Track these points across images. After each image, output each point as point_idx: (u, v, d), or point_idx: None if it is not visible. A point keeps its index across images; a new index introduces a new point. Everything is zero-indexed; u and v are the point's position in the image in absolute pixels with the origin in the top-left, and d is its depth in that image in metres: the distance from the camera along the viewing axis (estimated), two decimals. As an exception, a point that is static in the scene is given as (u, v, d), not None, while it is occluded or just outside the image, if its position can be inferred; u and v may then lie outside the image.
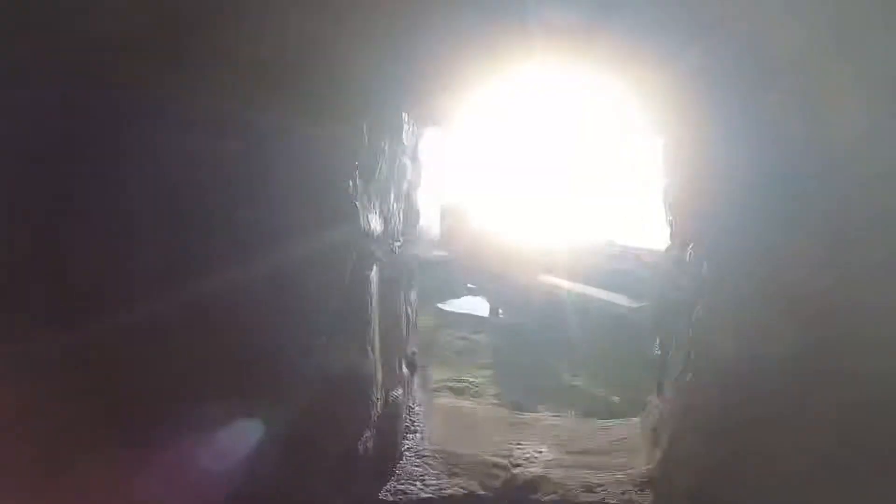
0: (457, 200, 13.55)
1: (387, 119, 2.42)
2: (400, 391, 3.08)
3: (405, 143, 2.82)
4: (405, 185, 2.98)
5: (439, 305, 9.41)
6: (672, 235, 3.97)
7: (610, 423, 4.41)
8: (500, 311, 9.28)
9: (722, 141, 2.45)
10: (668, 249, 3.73)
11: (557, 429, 4.16)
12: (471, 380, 6.66)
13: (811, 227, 2.06)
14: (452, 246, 12.55)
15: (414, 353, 3.96)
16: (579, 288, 8.87)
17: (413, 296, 3.91)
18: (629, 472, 3.32)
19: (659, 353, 4.15)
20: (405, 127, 2.75)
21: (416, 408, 3.82)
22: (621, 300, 8.28)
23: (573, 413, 5.67)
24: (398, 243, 2.95)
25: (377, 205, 2.37)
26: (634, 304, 8.16)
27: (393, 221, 2.77)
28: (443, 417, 4.11)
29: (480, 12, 2.24)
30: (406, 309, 3.51)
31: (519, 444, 3.93)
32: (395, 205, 2.77)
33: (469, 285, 11.03)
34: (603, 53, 2.57)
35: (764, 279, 2.17)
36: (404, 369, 3.35)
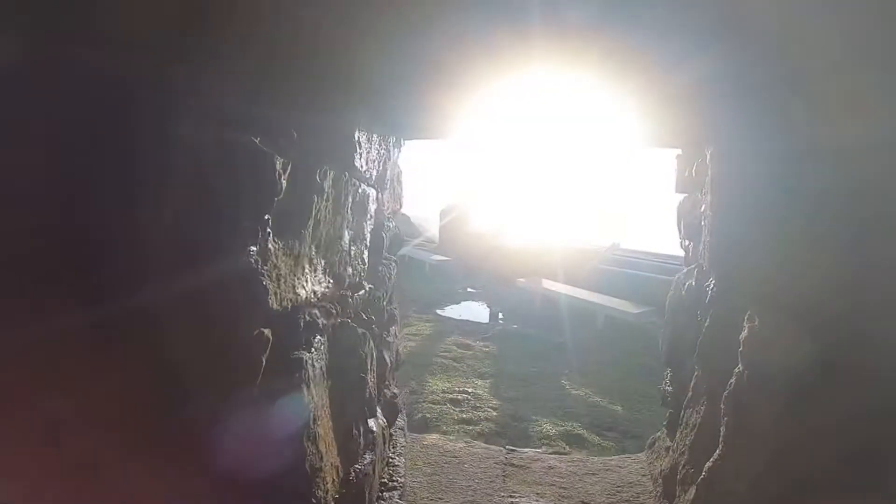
0: (456, 204, 12.88)
1: (330, 144, 1.77)
2: (369, 457, 2.44)
3: (364, 167, 2.16)
4: (369, 219, 2.32)
5: (438, 312, 8.76)
6: (687, 258, 3.30)
7: (612, 459, 3.77)
8: (501, 316, 8.62)
9: (741, 152, 2.07)
10: (687, 273, 3.05)
11: (555, 473, 3.53)
12: (470, 390, 6.09)
13: (830, 244, 1.70)
14: (451, 250, 11.91)
15: (395, 396, 3.33)
16: (581, 293, 8.18)
17: (392, 332, 3.27)
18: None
19: (669, 387, 3.49)
20: (363, 150, 2.10)
21: (396, 459, 3.19)
22: (624, 306, 7.59)
23: (576, 425, 5.11)
24: (362, 292, 2.30)
25: (317, 261, 1.71)
26: (637, 310, 7.48)
27: (352, 269, 2.12)
28: (430, 464, 3.49)
29: (476, 14, 1.65)
30: (382, 355, 2.88)
31: (513, 495, 3.31)
32: (352, 248, 2.11)
33: (469, 289, 10.39)
34: (608, 57, 1.92)
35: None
36: (376, 424, 2.71)
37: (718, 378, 2.34)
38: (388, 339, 2.99)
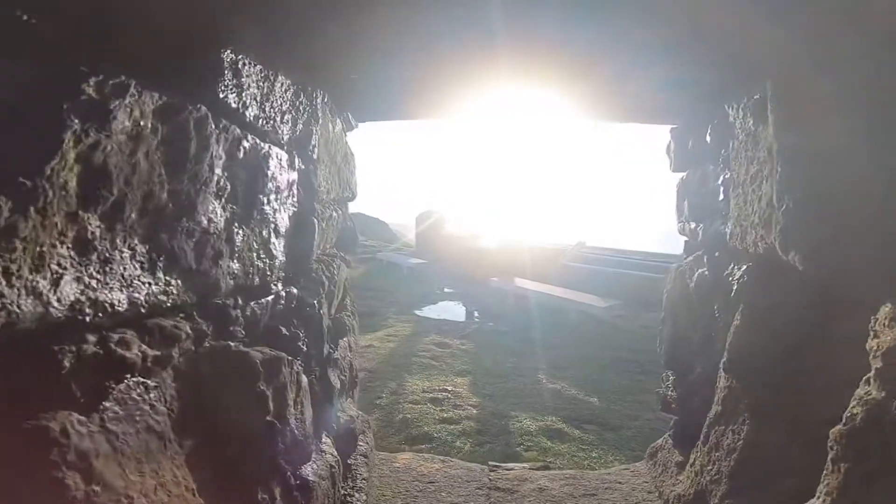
0: (431, 209, 11.95)
1: (144, 45, 0.82)
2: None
3: (256, 114, 1.21)
4: (276, 193, 1.37)
5: (417, 312, 7.78)
6: (691, 244, 2.42)
7: (609, 473, 2.86)
8: (476, 315, 7.68)
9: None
10: (694, 261, 2.16)
11: (547, 496, 2.59)
12: (449, 388, 5.17)
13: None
14: (428, 253, 10.95)
15: (352, 420, 2.35)
16: (552, 290, 7.30)
17: (344, 345, 2.30)
18: None
19: (672, 393, 2.58)
20: (248, 83, 1.16)
21: (356, 496, 2.21)
22: (593, 301, 6.72)
23: (555, 419, 4.20)
24: (269, 298, 1.34)
25: (112, 246, 0.76)
26: (605, 304, 6.62)
27: (239, 263, 1.16)
28: (399, 494, 2.53)
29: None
30: (327, 375, 1.91)
31: (498, 533, 2.38)
32: (237, 231, 1.15)
33: (446, 290, 9.41)
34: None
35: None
36: (317, 468, 1.74)
37: (774, 394, 1.44)
38: (336, 355, 2.02)
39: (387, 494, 2.54)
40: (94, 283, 0.71)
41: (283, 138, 1.39)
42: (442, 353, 6.18)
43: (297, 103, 1.49)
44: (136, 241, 0.81)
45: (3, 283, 0.57)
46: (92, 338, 0.72)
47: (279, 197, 1.38)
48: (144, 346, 0.81)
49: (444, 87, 1.87)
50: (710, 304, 1.96)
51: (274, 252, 1.37)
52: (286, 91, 1.39)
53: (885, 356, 0.87)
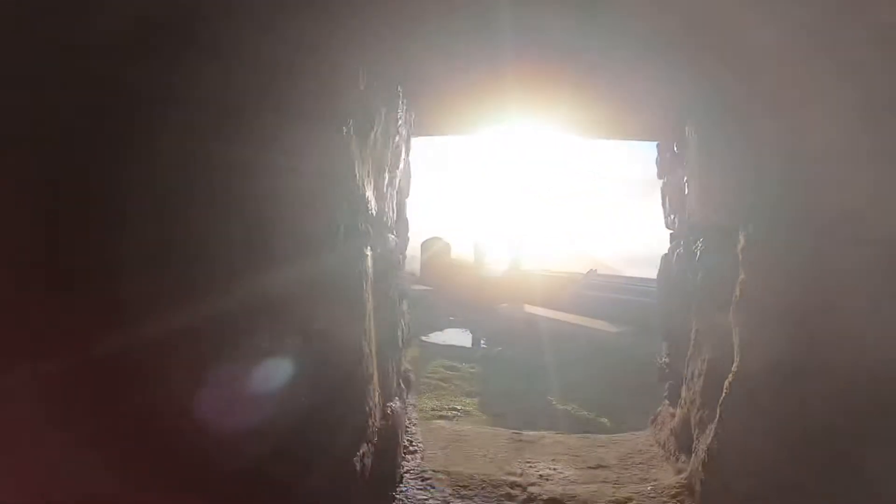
0: (437, 236, 13.09)
1: (380, 80, 1.96)
2: (398, 402, 2.49)
3: (401, 120, 2.35)
4: (399, 173, 2.50)
5: (423, 338, 8.76)
6: (671, 235, 3.56)
7: (616, 436, 3.85)
8: (483, 341, 8.68)
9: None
10: (671, 250, 3.30)
11: (563, 446, 3.58)
12: (459, 407, 6.07)
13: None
14: (433, 280, 11.99)
15: (408, 371, 3.38)
16: (562, 315, 8.36)
17: (405, 307, 3.36)
18: (655, 483, 2.76)
19: (666, 360, 3.65)
20: (400, 102, 2.29)
21: (413, 427, 3.20)
22: (604, 326, 7.79)
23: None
24: (392, 235, 2.43)
25: (371, 172, 1.87)
26: (616, 329, 7.69)
27: (386, 205, 2.27)
28: (442, 439, 3.49)
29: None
30: (399, 318, 2.96)
31: (528, 461, 3.34)
32: (388, 188, 2.27)
33: (451, 318, 10.43)
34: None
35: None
36: (400, 383, 2.77)
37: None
38: (403, 306, 3.08)
39: (429, 439, 3.50)
40: (367, 189, 1.84)
41: (402, 133, 2.55)
42: (451, 376, 7.12)
43: (406, 115, 2.66)
44: (372, 175, 1.94)
45: (362, 187, 1.70)
46: (358, 213, 1.84)
47: (399, 175, 2.52)
48: (373, 231, 1.92)
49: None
50: (685, 273, 3.07)
51: (393, 208, 2.47)
52: (404, 107, 2.57)
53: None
